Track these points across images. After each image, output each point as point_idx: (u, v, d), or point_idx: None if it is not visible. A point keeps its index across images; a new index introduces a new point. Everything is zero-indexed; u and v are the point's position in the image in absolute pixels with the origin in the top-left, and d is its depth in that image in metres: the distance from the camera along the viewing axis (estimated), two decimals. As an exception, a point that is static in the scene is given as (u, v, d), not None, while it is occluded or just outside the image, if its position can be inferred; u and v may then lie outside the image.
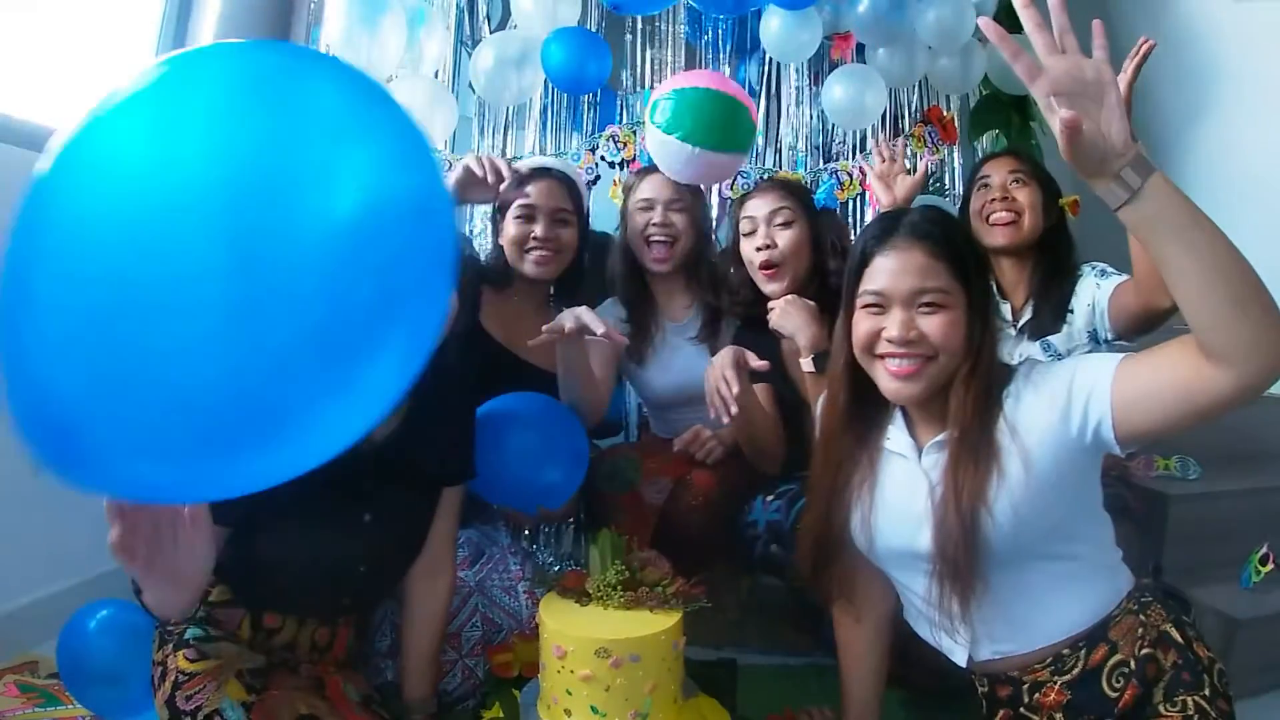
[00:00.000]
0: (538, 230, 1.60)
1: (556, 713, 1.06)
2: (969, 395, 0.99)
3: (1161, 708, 0.93)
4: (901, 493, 1.06)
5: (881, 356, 1.02)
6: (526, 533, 2.15)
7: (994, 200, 1.62)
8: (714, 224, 2.08)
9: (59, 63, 1.86)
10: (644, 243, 1.72)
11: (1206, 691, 0.93)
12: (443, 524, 1.22)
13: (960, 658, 1.05)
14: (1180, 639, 0.97)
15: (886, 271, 1.01)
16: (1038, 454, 0.96)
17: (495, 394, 1.47)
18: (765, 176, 2.16)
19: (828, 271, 1.63)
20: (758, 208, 1.61)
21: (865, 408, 1.10)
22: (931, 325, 0.99)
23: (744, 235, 1.63)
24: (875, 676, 1.19)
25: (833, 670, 1.55)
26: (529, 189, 1.60)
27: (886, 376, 1.02)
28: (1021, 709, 1.03)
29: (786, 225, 1.59)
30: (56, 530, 1.71)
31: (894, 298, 1.00)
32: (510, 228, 1.62)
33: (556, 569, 2.01)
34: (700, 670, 1.31)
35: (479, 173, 1.52)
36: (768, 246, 1.58)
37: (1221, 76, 2.54)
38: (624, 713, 1.03)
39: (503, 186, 1.53)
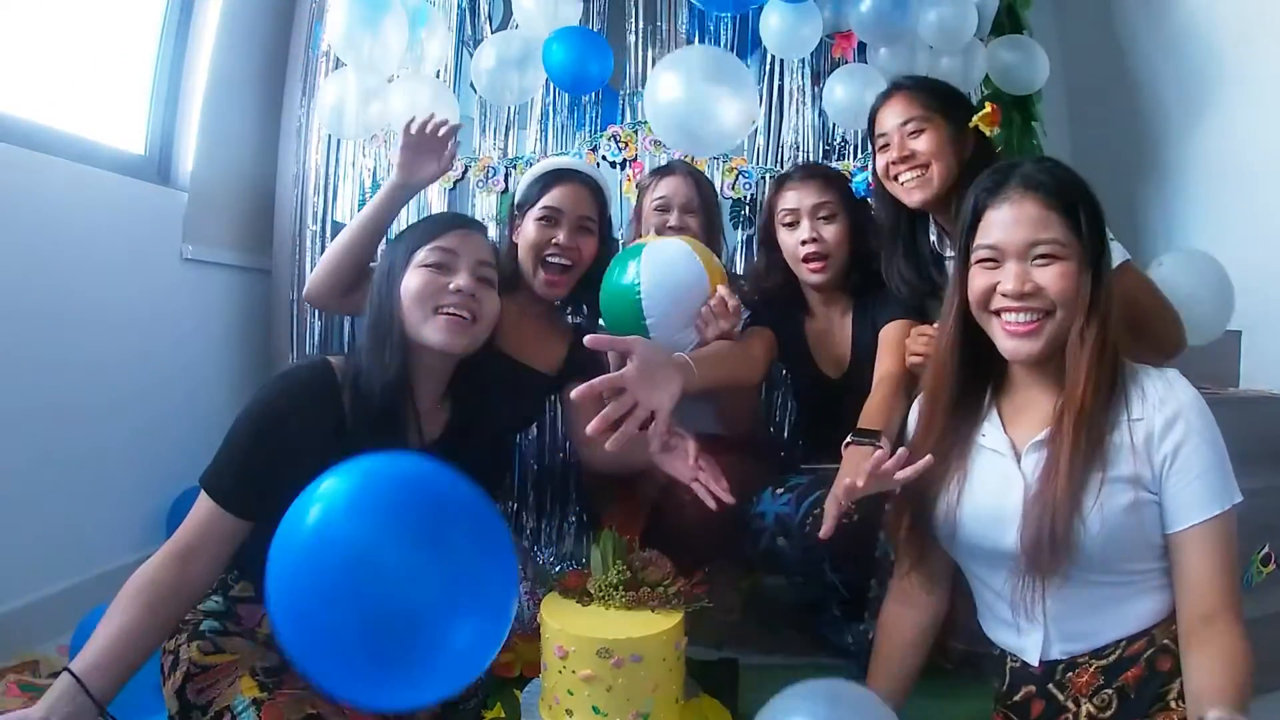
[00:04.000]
0: (560, 237, 1.52)
1: (558, 713, 1.06)
2: (1086, 353, 0.96)
3: (1173, 703, 0.94)
4: (993, 491, 1.04)
5: (998, 313, 1.00)
6: (528, 532, 2.16)
7: (895, 162, 1.48)
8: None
9: (59, 63, 1.86)
10: None
11: None
12: None
13: (1032, 657, 1.05)
14: None
15: (1000, 224, 1.00)
16: (1147, 477, 0.95)
17: (491, 397, 1.44)
18: (799, 166, 2.16)
19: (871, 258, 1.63)
20: (800, 200, 1.59)
21: (965, 393, 1.08)
22: (1047, 277, 0.97)
23: (783, 225, 1.62)
24: (906, 674, 1.17)
25: (834, 670, 1.56)
26: (555, 191, 1.54)
27: (1004, 334, 1.00)
28: (1050, 685, 1.03)
29: (830, 219, 1.58)
30: (57, 530, 1.71)
31: (1008, 250, 0.99)
32: (531, 230, 1.54)
33: (558, 569, 2.01)
34: (702, 670, 1.31)
35: (416, 138, 1.44)
36: (813, 240, 1.57)
37: (1223, 76, 2.53)
38: (625, 713, 1.03)
39: (449, 148, 1.47)
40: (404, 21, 2.02)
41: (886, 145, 1.50)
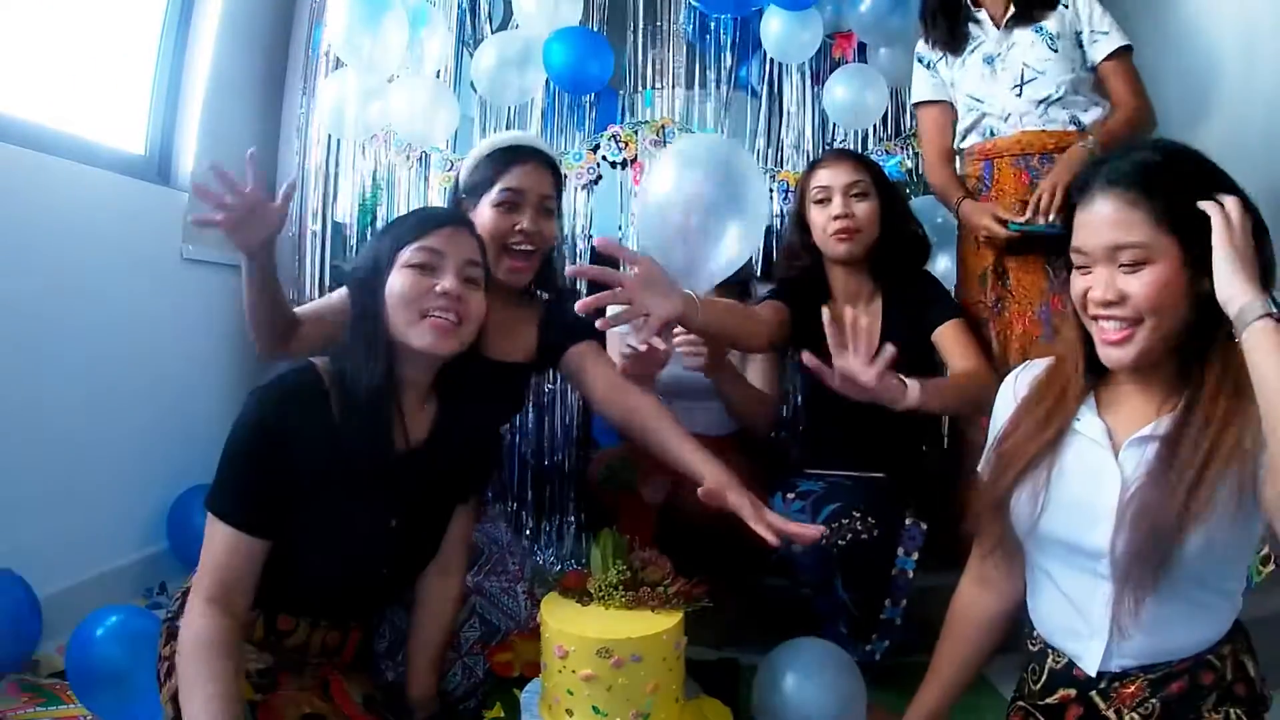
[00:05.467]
0: (524, 223, 1.38)
1: (558, 713, 1.06)
2: (1207, 356, 0.90)
3: (1208, 714, 0.92)
4: (1086, 483, 0.97)
5: (1095, 318, 0.95)
6: (528, 532, 2.16)
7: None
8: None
9: (59, 63, 1.86)
10: None
11: (1247, 709, 0.93)
12: (458, 526, 1.22)
13: (1090, 666, 0.98)
14: (1251, 664, 0.97)
15: (1084, 226, 0.94)
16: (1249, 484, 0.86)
17: (475, 395, 1.42)
18: (832, 149, 2.19)
19: (902, 242, 1.65)
20: (833, 178, 1.61)
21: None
22: (1134, 284, 0.90)
23: (815, 203, 1.63)
24: (975, 659, 1.13)
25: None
26: (514, 172, 1.39)
27: (1100, 341, 0.95)
28: (1093, 693, 0.98)
29: (863, 196, 1.61)
30: (57, 530, 1.71)
31: (1094, 256, 0.93)
32: (489, 217, 1.38)
33: (558, 569, 2.01)
34: (702, 670, 1.31)
35: (223, 202, 1.23)
36: (845, 216, 1.59)
37: (1224, 76, 2.53)
38: (626, 713, 1.03)
39: (272, 204, 1.30)
40: (404, 21, 2.02)
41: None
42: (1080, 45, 1.74)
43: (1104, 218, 0.92)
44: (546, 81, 2.17)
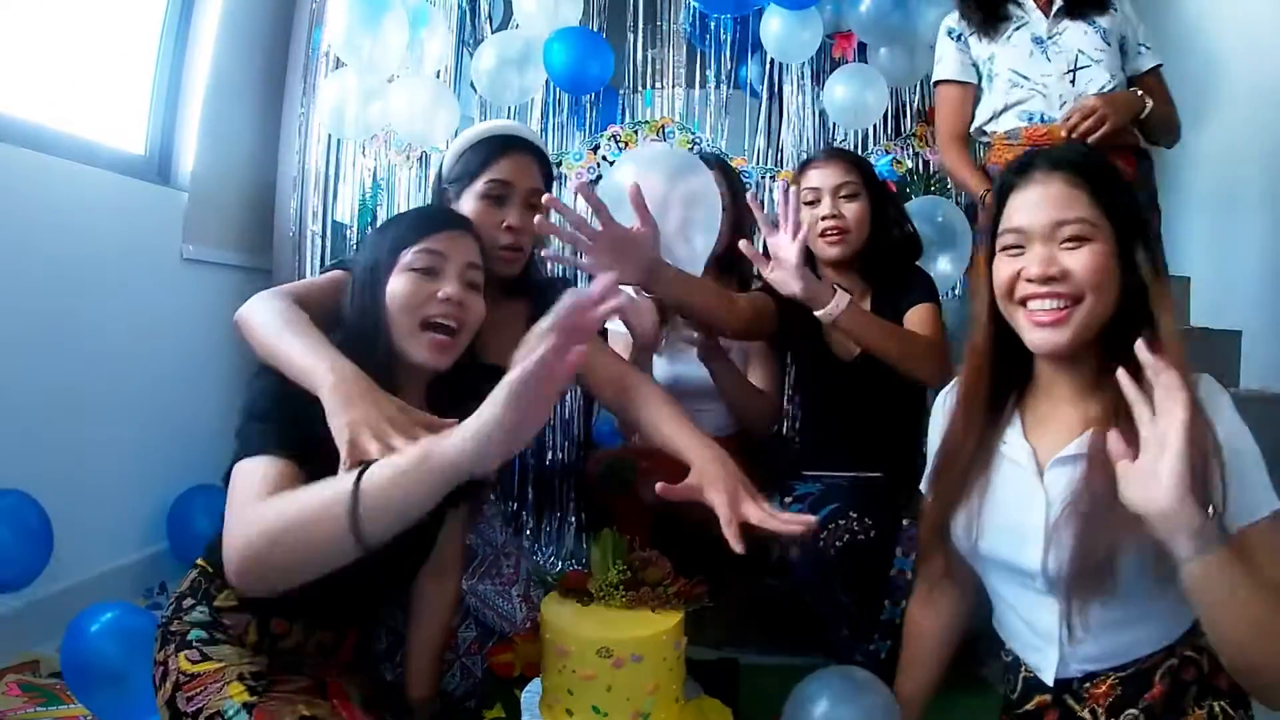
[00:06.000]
0: (511, 218, 1.30)
1: (558, 713, 1.06)
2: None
3: (1191, 709, 0.92)
4: (1015, 505, 0.98)
5: (1023, 302, 0.94)
6: (528, 532, 2.16)
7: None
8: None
9: (59, 63, 1.86)
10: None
11: (1230, 700, 0.92)
12: (451, 528, 1.22)
13: (1048, 675, 0.99)
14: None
15: (1024, 206, 0.95)
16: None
17: (468, 398, 1.39)
18: (824, 148, 2.16)
19: (889, 244, 1.66)
20: (823, 179, 1.62)
21: (998, 389, 1.03)
22: (1075, 260, 0.91)
23: (805, 204, 1.63)
24: (932, 677, 1.15)
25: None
26: (502, 163, 1.31)
27: (1030, 325, 0.94)
28: (1066, 696, 0.98)
29: (852, 198, 1.61)
30: (57, 530, 1.71)
31: (1033, 233, 0.93)
32: (474, 211, 1.29)
33: (558, 569, 2.01)
34: (702, 670, 1.31)
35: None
36: (834, 216, 1.59)
37: (1223, 78, 2.53)
38: (626, 713, 1.03)
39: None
40: (404, 21, 2.02)
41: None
42: (1124, 51, 1.72)
43: (1048, 195, 0.93)
44: (546, 81, 2.17)
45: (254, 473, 0.90)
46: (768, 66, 2.41)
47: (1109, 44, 1.68)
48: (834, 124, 2.32)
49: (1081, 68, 1.68)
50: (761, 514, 1.04)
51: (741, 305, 1.55)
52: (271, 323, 1.04)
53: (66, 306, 1.75)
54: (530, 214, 1.32)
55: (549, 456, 2.20)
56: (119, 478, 1.91)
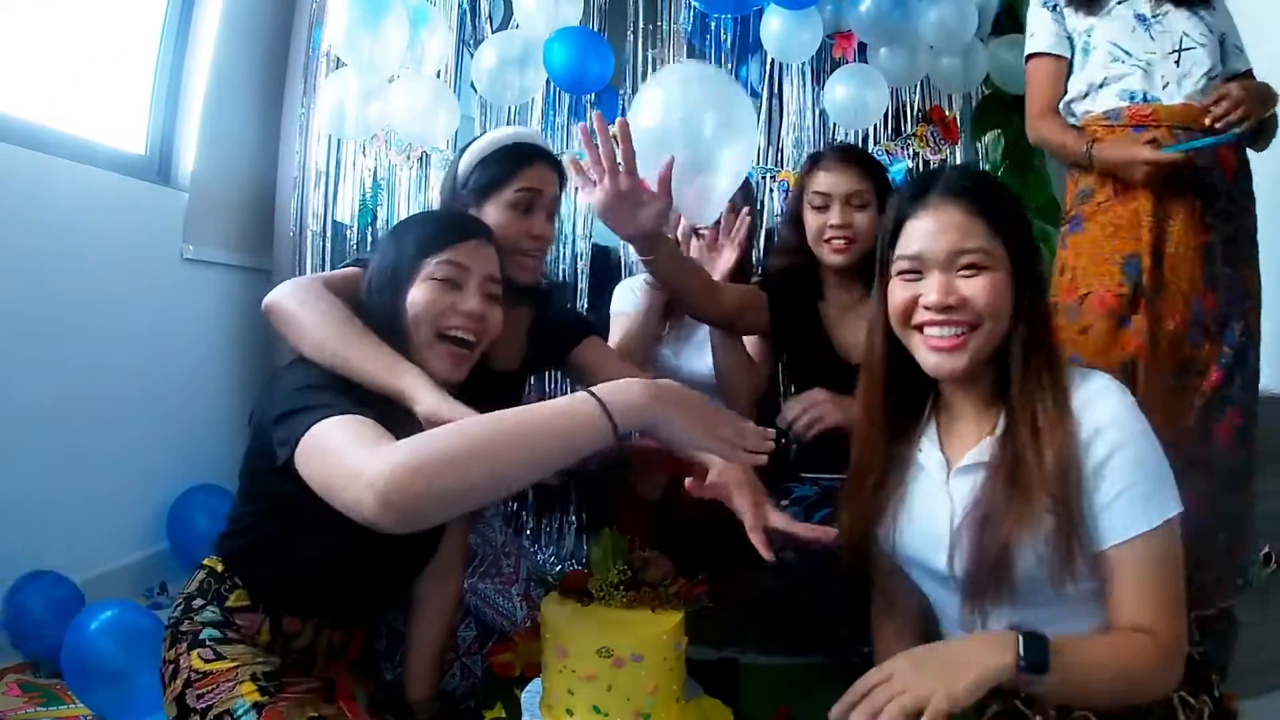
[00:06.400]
0: (537, 227, 1.31)
1: (558, 713, 1.05)
2: (1028, 366, 0.92)
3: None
4: (927, 512, 1.01)
5: (920, 328, 0.95)
6: (528, 532, 2.16)
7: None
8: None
9: (59, 63, 1.86)
10: (694, 234, 1.75)
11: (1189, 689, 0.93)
12: (455, 528, 1.22)
13: None
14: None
15: (922, 233, 0.95)
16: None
17: (477, 400, 1.39)
18: (835, 147, 2.14)
19: None
20: (834, 185, 1.57)
21: (902, 403, 1.04)
22: (973, 288, 0.92)
23: (813, 208, 1.60)
24: None
25: (834, 671, 1.56)
26: (530, 172, 1.31)
27: (926, 350, 0.95)
28: (1017, 703, 0.98)
29: (863, 207, 1.56)
30: (57, 530, 1.71)
31: (931, 261, 0.94)
32: (503, 219, 1.28)
33: (558, 569, 2.01)
34: (702, 670, 1.31)
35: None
36: (844, 225, 1.56)
37: (1223, 76, 2.53)
38: (626, 713, 1.03)
39: None
40: (404, 21, 2.02)
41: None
42: (1223, 48, 1.63)
43: (947, 223, 0.94)
44: (546, 81, 2.17)
45: (348, 426, 0.84)
46: (768, 66, 2.41)
47: (1211, 34, 1.59)
48: (834, 124, 2.32)
49: (1186, 49, 1.56)
50: (784, 520, 1.08)
51: (727, 296, 1.55)
52: (326, 323, 1.03)
53: (66, 306, 1.75)
54: (550, 222, 1.35)
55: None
56: (119, 478, 1.91)
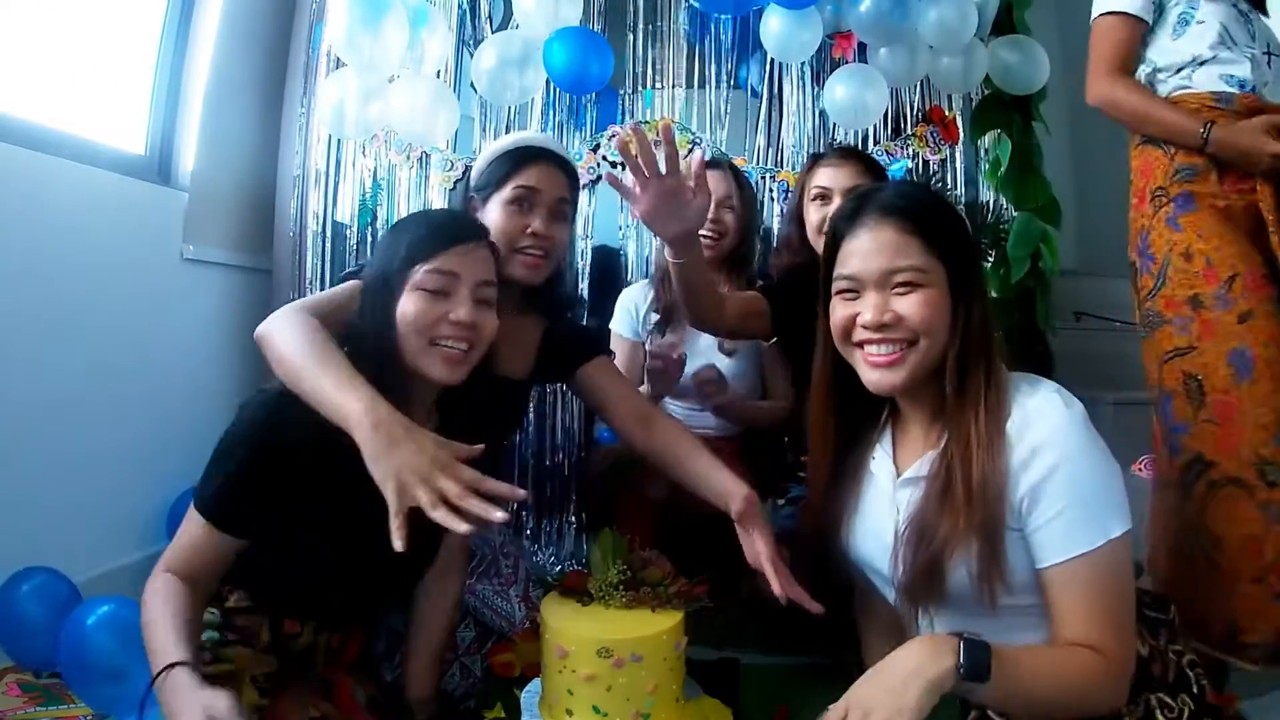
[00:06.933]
0: (535, 224, 1.32)
1: (558, 713, 1.06)
2: (964, 384, 0.93)
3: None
4: (877, 519, 1.03)
5: (860, 345, 0.97)
6: (528, 532, 2.16)
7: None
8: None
9: (59, 63, 1.86)
10: None
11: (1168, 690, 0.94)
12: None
13: None
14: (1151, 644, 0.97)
15: (857, 253, 0.97)
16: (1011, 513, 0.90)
17: (477, 406, 1.40)
18: (836, 146, 2.14)
19: None
20: (836, 180, 1.60)
21: (855, 414, 1.06)
22: (908, 306, 0.94)
23: (813, 201, 1.62)
24: None
25: (834, 671, 1.56)
26: (529, 171, 1.33)
27: (866, 366, 0.97)
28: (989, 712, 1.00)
29: None
30: (57, 530, 1.71)
31: (866, 280, 0.96)
32: (500, 216, 1.31)
33: (558, 569, 2.01)
34: (702, 670, 1.31)
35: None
36: None
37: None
38: (626, 713, 1.03)
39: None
40: (404, 21, 2.02)
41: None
42: None
43: (881, 243, 0.95)
44: (546, 81, 2.17)
45: (195, 532, 1.01)
46: (768, 66, 2.41)
47: None
48: (834, 124, 2.32)
49: (1275, 54, 1.52)
50: (786, 576, 1.12)
51: (731, 304, 1.57)
52: (298, 349, 1.02)
53: (66, 306, 1.74)
54: (556, 223, 1.35)
55: (549, 458, 2.19)
56: (119, 477, 1.91)
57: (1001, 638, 0.91)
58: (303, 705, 0.97)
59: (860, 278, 0.96)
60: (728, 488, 1.21)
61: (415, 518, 1.09)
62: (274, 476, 0.99)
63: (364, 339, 1.06)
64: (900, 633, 1.12)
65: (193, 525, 1.01)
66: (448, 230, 1.09)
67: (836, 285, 1.00)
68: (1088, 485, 0.88)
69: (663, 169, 1.22)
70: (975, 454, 0.90)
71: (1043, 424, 0.90)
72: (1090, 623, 0.86)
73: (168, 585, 0.98)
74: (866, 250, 0.96)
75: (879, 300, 0.95)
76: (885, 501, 1.02)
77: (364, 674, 1.19)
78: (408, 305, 1.03)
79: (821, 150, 1.81)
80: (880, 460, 1.05)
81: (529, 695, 1.15)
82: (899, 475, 1.02)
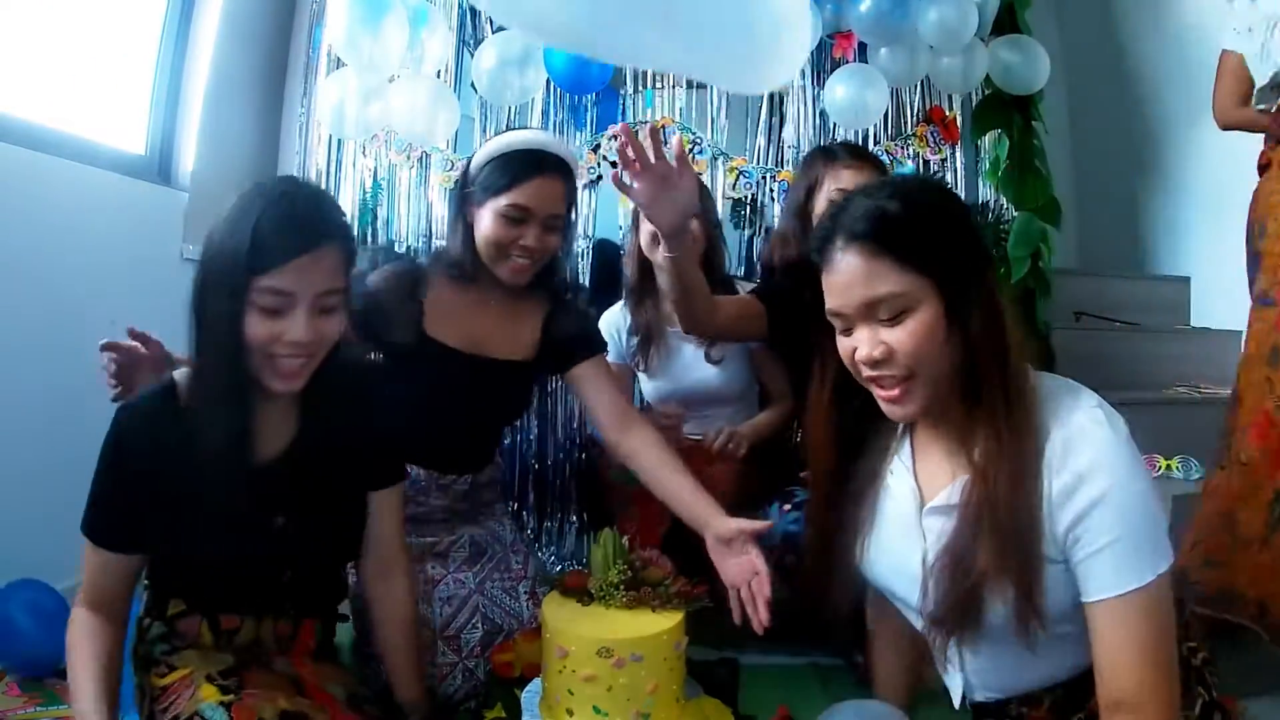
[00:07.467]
0: (528, 239, 1.34)
1: (559, 713, 1.06)
2: (980, 394, 0.86)
3: None
4: (899, 543, 0.96)
5: (869, 379, 0.91)
6: (529, 532, 2.16)
7: None
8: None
9: (59, 63, 1.86)
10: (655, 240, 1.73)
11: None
12: (385, 525, 1.17)
13: (955, 698, 1.00)
14: None
15: (834, 289, 0.90)
16: (1053, 542, 0.84)
17: (453, 397, 1.39)
18: (847, 146, 2.13)
19: None
20: (853, 180, 1.58)
21: (859, 415, 1.00)
22: (897, 336, 0.86)
23: (830, 200, 1.60)
24: (901, 682, 1.14)
25: (833, 671, 1.56)
26: (527, 187, 1.32)
27: (880, 399, 0.91)
28: None
29: None
30: (57, 530, 1.71)
31: (851, 315, 0.89)
32: (492, 226, 1.34)
33: (559, 569, 2.01)
34: (702, 670, 1.31)
35: None
36: None
37: (1223, 76, 2.53)
38: (626, 713, 1.03)
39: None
40: (404, 21, 2.02)
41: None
42: None
43: (851, 275, 0.87)
44: (546, 81, 2.17)
45: (91, 558, 1.02)
46: (768, 66, 2.40)
47: None
48: (834, 124, 2.31)
49: None
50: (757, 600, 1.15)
51: (724, 306, 1.57)
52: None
53: (66, 306, 1.74)
54: (547, 234, 1.37)
55: (550, 457, 2.20)
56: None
57: (1037, 664, 0.90)
58: (272, 700, 0.95)
59: (843, 313, 0.90)
60: (698, 514, 1.23)
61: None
62: (132, 488, 1.00)
63: (207, 349, 1.02)
64: (912, 645, 1.11)
65: (87, 551, 1.03)
66: (285, 242, 1.00)
67: (832, 322, 0.93)
68: (1138, 514, 0.82)
69: (651, 159, 1.24)
70: (1007, 482, 0.84)
71: (1087, 448, 0.83)
72: (1139, 667, 0.80)
73: (84, 624, 1.00)
74: (840, 284, 0.89)
75: (869, 335, 0.88)
76: (909, 526, 0.95)
77: (337, 669, 1.17)
78: (248, 323, 0.98)
79: (830, 146, 1.78)
80: (900, 476, 0.98)
81: (529, 695, 1.15)
82: (924, 499, 0.95)
